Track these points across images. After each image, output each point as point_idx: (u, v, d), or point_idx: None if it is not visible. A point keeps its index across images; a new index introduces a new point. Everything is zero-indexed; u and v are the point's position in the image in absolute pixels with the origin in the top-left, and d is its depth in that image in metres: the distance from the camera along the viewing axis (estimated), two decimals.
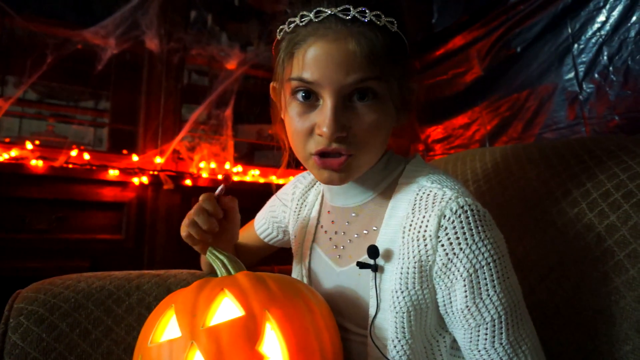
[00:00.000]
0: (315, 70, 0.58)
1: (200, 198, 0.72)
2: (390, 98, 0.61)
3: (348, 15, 0.57)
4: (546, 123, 1.49)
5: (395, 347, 0.60)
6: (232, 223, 0.77)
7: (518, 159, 0.95)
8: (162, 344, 0.56)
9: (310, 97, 0.60)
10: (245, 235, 0.98)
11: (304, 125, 0.61)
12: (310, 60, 0.58)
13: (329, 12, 0.58)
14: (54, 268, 1.05)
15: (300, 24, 0.59)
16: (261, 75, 2.36)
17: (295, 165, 0.73)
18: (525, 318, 0.61)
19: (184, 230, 0.73)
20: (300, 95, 0.61)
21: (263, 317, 0.55)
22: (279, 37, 0.64)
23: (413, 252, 0.60)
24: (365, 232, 0.69)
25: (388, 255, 0.63)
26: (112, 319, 0.78)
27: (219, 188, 0.72)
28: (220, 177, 0.72)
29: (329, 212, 0.76)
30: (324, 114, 0.59)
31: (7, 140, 1.80)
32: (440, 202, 0.59)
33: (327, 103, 0.59)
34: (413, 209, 0.62)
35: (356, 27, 0.57)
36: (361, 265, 0.63)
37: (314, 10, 0.58)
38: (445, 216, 0.58)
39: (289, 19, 0.61)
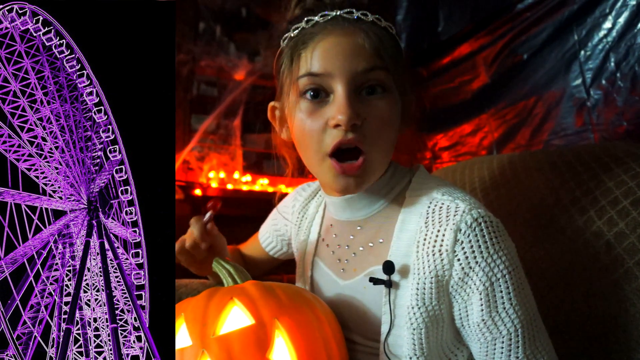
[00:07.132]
0: (325, 62, 0.59)
1: (190, 222, 0.75)
2: (398, 93, 0.63)
3: (353, 16, 0.61)
4: (554, 130, 1.48)
5: None
6: (218, 247, 0.80)
7: (526, 166, 0.95)
8: None
9: (319, 95, 0.60)
10: (251, 247, 0.97)
11: (316, 123, 0.60)
12: (320, 54, 0.59)
13: (335, 13, 0.61)
14: None
15: (307, 26, 0.62)
16: (270, 85, 2.37)
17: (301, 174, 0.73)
18: (542, 330, 0.60)
19: (177, 254, 0.78)
20: (309, 94, 0.60)
21: (273, 326, 0.55)
22: (283, 45, 0.65)
23: (429, 267, 0.58)
24: (370, 244, 0.67)
25: (404, 271, 0.61)
26: None
27: (207, 215, 0.71)
28: (208, 204, 0.71)
29: (331, 225, 0.74)
30: (337, 103, 0.58)
31: None
32: (455, 215, 0.58)
33: (338, 93, 0.58)
34: (426, 222, 0.60)
35: (362, 24, 0.60)
36: (375, 281, 0.61)
37: (320, 14, 0.61)
38: (461, 230, 0.57)
39: (294, 26, 0.63)
